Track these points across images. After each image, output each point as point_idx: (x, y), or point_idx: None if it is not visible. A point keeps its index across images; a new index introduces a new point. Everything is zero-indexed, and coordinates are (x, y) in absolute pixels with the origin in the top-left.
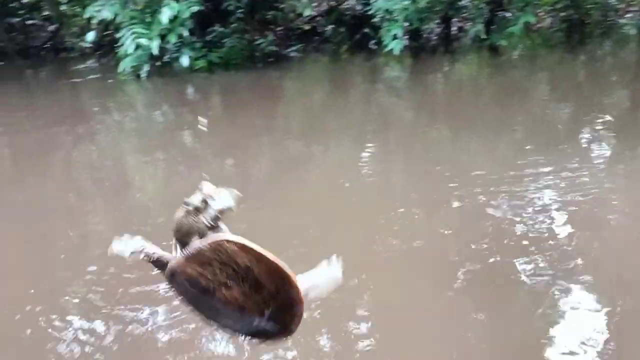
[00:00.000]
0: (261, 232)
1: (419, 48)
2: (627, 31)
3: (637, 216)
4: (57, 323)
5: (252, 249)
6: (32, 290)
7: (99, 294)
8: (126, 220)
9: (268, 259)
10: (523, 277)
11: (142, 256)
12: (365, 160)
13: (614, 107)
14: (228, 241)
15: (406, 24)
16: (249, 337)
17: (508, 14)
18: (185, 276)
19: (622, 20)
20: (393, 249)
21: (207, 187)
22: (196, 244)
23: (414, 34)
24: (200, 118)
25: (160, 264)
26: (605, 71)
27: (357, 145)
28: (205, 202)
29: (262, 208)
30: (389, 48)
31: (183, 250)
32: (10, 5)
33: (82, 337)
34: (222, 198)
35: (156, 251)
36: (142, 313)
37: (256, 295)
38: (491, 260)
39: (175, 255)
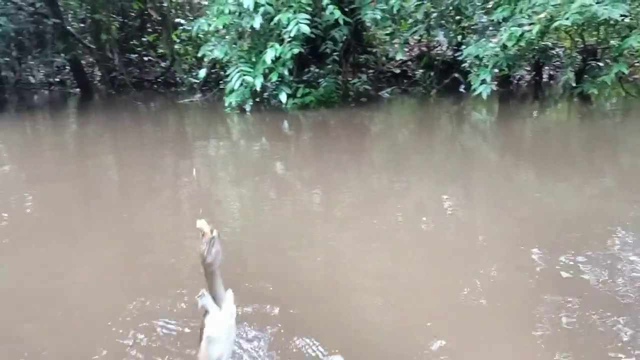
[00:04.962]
0: (338, 260)
1: (508, 93)
2: None
3: None
4: None
5: None
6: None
7: None
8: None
9: None
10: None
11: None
12: (445, 200)
13: None
14: None
15: (496, 70)
16: None
17: (601, 64)
18: None
19: None
20: (473, 304)
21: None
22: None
23: (503, 80)
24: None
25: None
26: None
27: (439, 184)
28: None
29: (342, 239)
30: (477, 92)
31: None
32: (131, 42)
33: None
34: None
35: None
36: None
37: None
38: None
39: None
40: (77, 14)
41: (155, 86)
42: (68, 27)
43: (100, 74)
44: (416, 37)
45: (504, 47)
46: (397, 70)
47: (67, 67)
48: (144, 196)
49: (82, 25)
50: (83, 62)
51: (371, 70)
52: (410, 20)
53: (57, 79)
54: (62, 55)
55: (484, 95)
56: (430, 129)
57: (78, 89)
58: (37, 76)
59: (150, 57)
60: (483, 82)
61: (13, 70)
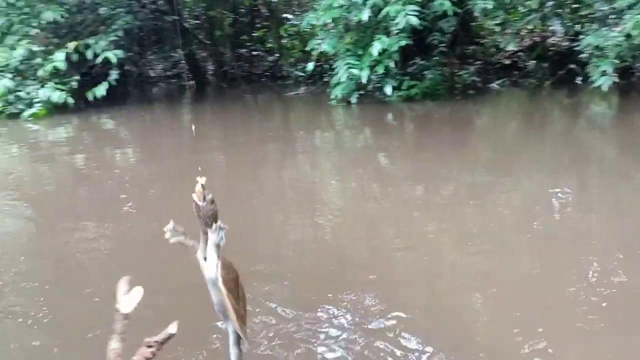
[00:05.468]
0: (439, 257)
1: (629, 86)
2: None
3: None
4: None
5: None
6: None
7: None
8: (308, 232)
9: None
10: None
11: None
12: (556, 199)
13: None
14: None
15: (617, 61)
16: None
17: None
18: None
19: None
20: (580, 305)
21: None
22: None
23: (624, 71)
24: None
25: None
26: None
27: (549, 182)
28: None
29: (443, 236)
30: (596, 84)
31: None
32: (241, 38)
33: None
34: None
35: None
36: None
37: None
38: None
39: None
40: (192, 11)
41: (263, 79)
42: (184, 24)
43: (213, 68)
44: (528, 26)
45: (628, 36)
46: (507, 62)
47: (183, 61)
48: (258, 187)
49: (197, 21)
50: (197, 56)
51: (479, 62)
52: (523, 10)
53: (174, 73)
54: (179, 50)
55: (604, 88)
56: (542, 123)
57: (193, 82)
58: (156, 70)
59: (258, 52)
60: (603, 73)
61: (135, 65)
